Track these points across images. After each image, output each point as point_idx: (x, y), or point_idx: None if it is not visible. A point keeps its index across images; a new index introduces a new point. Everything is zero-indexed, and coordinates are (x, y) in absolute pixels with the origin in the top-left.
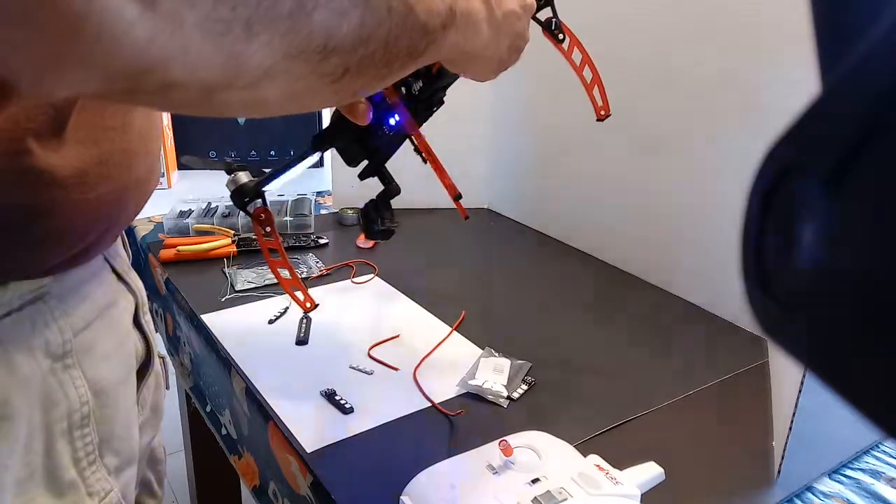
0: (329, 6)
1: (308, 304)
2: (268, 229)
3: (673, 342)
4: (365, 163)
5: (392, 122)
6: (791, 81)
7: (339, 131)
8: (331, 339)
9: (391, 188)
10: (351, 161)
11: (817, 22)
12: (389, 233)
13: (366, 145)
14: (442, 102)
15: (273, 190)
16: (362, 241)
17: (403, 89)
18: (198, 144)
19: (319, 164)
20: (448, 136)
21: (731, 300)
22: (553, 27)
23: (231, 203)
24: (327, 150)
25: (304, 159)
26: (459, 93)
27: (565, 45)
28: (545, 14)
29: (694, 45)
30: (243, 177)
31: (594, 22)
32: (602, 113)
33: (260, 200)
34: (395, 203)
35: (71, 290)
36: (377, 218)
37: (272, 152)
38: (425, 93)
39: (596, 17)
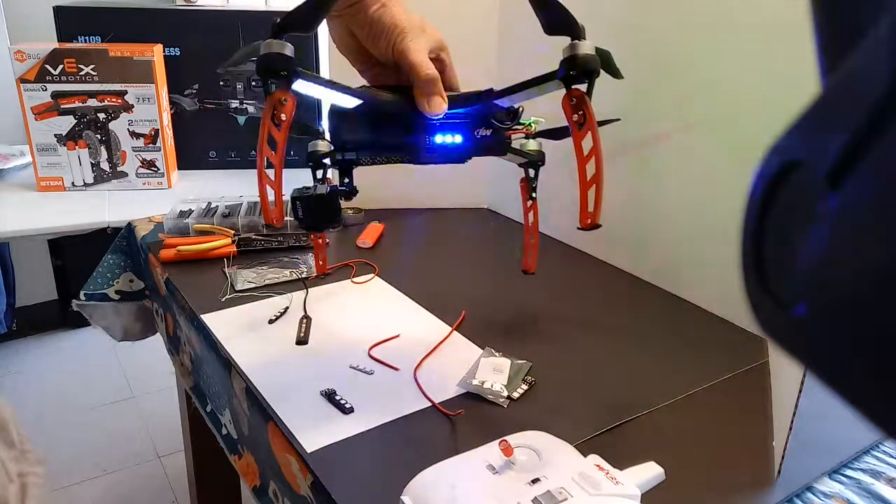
0: None
1: (279, 218)
2: (283, 118)
3: (673, 342)
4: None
5: (443, 139)
6: (791, 81)
7: (395, 90)
8: (331, 339)
9: (346, 189)
10: (345, 130)
11: (818, 21)
12: (332, 229)
13: (383, 130)
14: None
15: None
16: (362, 241)
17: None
18: (198, 144)
19: None
20: None
21: (731, 300)
22: (573, 101)
23: (231, 203)
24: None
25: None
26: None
27: (581, 128)
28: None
29: (694, 43)
30: (287, 47)
31: (589, 17)
32: (588, 221)
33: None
34: (396, 203)
35: None
36: (320, 214)
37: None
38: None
39: (592, 12)
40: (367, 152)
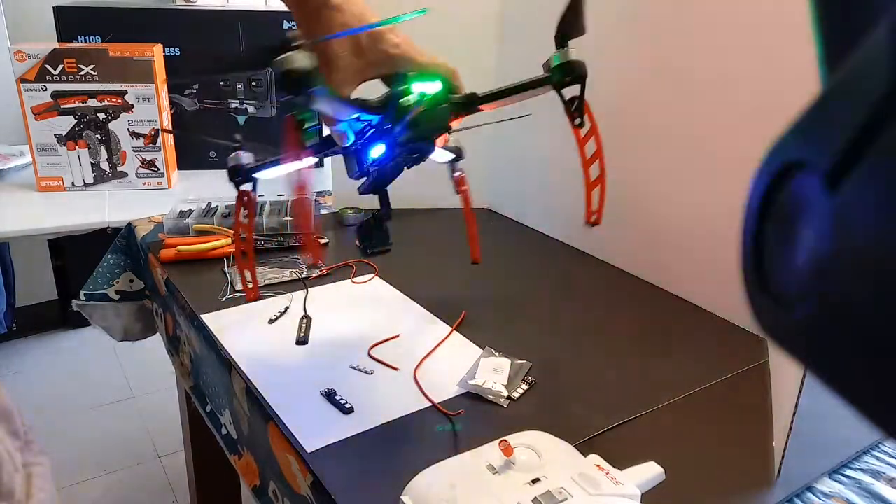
0: None
1: (252, 292)
2: (246, 213)
3: (673, 342)
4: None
5: (372, 154)
6: (791, 81)
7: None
8: (331, 339)
9: (383, 214)
10: (351, 172)
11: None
12: (382, 252)
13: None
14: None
15: (266, 178)
16: None
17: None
18: (198, 144)
19: (319, 164)
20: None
21: (731, 300)
22: (574, 107)
23: (231, 203)
24: (329, 155)
25: (302, 159)
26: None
27: (583, 130)
28: (573, 91)
29: (694, 43)
30: (244, 157)
31: (594, 17)
32: (592, 219)
33: (251, 184)
34: (396, 203)
35: None
36: (369, 240)
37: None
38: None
39: (596, 13)
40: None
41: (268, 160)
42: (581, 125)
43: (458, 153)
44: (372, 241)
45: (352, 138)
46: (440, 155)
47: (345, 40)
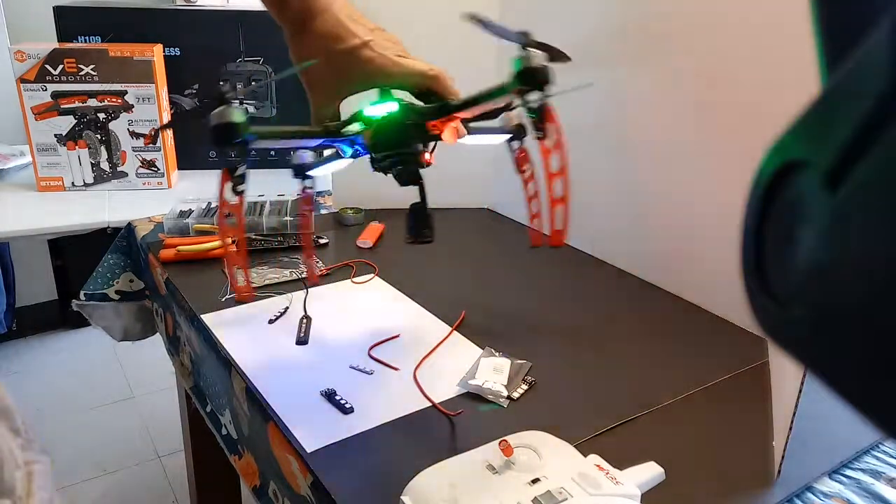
0: None
1: (247, 291)
2: (241, 189)
3: (673, 342)
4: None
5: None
6: (791, 81)
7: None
8: (331, 339)
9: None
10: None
11: (818, 21)
12: (423, 242)
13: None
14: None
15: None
16: (362, 241)
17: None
18: (197, 144)
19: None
20: None
21: (731, 300)
22: (536, 112)
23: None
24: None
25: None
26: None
27: (548, 142)
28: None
29: (694, 44)
30: (236, 114)
31: (590, 20)
32: (556, 240)
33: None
34: (396, 203)
35: None
36: (423, 226)
37: (272, 153)
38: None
39: (596, 13)
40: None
41: (289, 131)
42: (543, 136)
43: (519, 132)
44: (419, 229)
45: (348, 152)
46: (492, 139)
47: (320, 61)
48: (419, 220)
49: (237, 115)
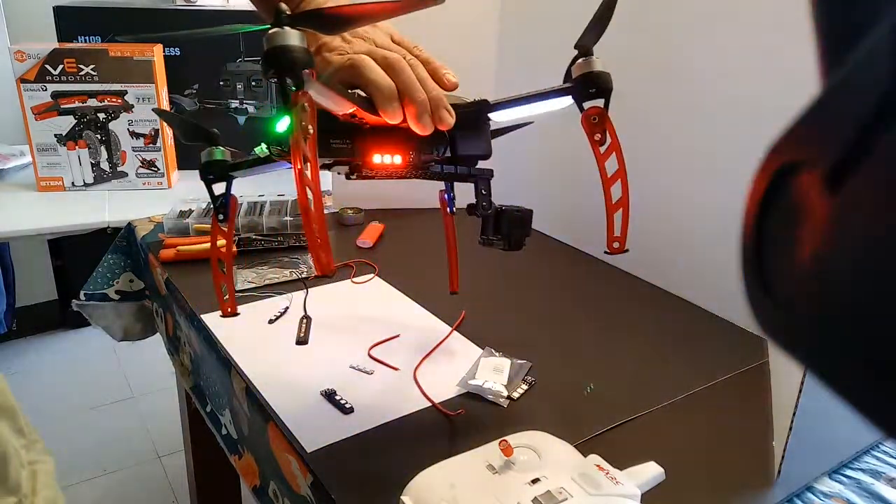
0: None
1: (230, 306)
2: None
3: (673, 342)
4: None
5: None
6: (791, 81)
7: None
8: (331, 339)
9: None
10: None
11: (818, 21)
12: (490, 244)
13: None
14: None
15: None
16: (362, 241)
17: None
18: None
19: None
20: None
21: (730, 300)
22: (594, 120)
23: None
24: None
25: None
26: (462, 93)
27: (603, 147)
28: (592, 102)
29: (694, 43)
30: (219, 153)
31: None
32: (615, 246)
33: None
34: (395, 202)
35: None
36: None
37: None
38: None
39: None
40: None
41: (247, 160)
42: (601, 142)
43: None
44: (505, 232)
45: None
46: (548, 105)
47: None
48: (520, 227)
49: (224, 153)
